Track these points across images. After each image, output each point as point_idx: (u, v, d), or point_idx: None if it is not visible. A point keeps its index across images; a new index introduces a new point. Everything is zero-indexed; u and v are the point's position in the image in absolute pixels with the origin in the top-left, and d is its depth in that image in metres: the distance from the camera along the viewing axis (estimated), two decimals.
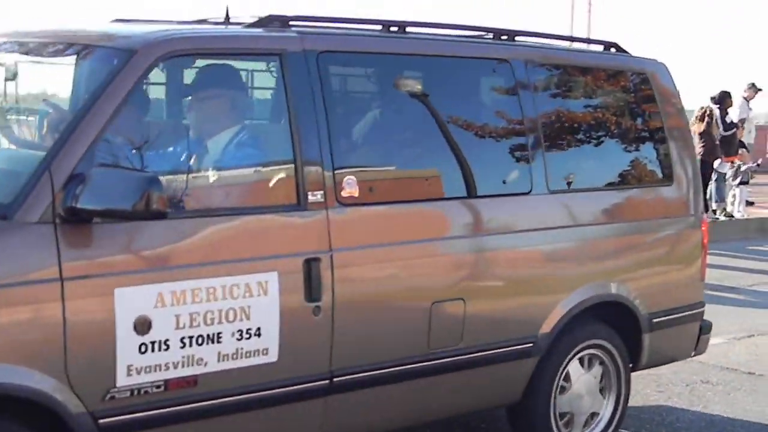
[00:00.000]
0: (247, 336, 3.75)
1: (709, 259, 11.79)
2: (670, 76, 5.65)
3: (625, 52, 5.61)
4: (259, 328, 3.78)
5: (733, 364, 7.25)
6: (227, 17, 4.43)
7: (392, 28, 4.63)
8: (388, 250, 4.20)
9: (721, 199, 14.67)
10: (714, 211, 14.49)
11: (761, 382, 6.83)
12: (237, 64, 4.38)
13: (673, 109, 5.60)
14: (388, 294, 4.24)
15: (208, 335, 3.65)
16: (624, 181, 5.35)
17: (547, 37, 5.34)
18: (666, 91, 5.57)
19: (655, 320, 5.28)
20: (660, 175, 5.49)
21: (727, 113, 14.83)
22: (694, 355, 5.76)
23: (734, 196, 15.17)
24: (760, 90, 16.27)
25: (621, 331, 5.21)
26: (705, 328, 5.69)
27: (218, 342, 3.68)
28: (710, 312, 8.74)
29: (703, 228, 5.65)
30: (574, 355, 5.00)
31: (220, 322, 3.68)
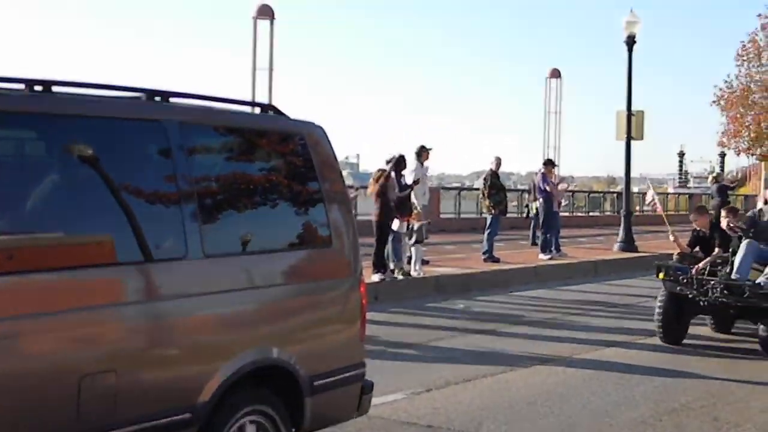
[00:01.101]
0: None
1: (389, 317, 12.56)
2: (328, 140, 5.78)
3: (283, 114, 5.69)
4: None
5: (413, 418, 7.47)
6: None
7: (36, 87, 4.43)
8: (23, 323, 3.96)
9: (398, 258, 15.23)
10: (392, 271, 15.01)
11: None
12: None
13: (331, 172, 5.73)
14: (25, 371, 3.98)
15: None
16: (283, 244, 5.40)
17: (203, 99, 5.31)
18: (324, 154, 5.70)
19: (316, 383, 5.33)
20: (320, 238, 5.59)
21: (402, 175, 15.53)
22: (358, 416, 5.86)
23: (411, 255, 15.82)
24: (430, 149, 17.24)
25: (283, 395, 5.21)
26: (367, 388, 5.82)
27: None
28: (390, 369, 9.20)
29: (361, 289, 5.79)
30: (235, 423, 4.93)
31: None
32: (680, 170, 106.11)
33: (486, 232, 18.62)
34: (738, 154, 45.75)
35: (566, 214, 32.93)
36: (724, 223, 11.50)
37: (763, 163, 44.55)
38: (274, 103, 7.69)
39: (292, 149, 5.59)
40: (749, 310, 10.77)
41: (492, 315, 13.17)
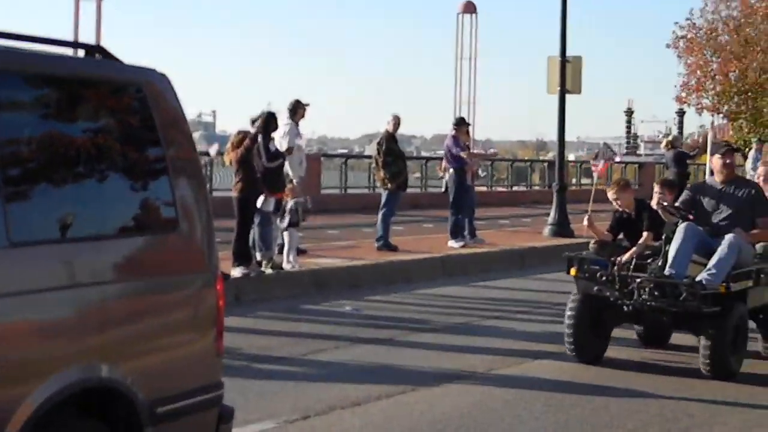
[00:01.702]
0: None
1: (255, 324, 12.56)
2: (174, 92, 5.78)
3: (114, 58, 5.66)
4: None
5: None
6: None
7: None
8: None
9: (267, 246, 15.23)
10: (259, 263, 15.03)
11: None
12: None
13: (177, 134, 5.73)
14: None
15: None
16: (115, 228, 5.38)
17: (7, 38, 5.23)
18: (168, 111, 5.69)
19: (159, 410, 5.34)
20: (163, 221, 5.60)
21: (272, 139, 15.54)
22: None
23: (283, 242, 15.86)
24: (307, 105, 17.27)
25: (116, 425, 5.21)
26: (225, 416, 5.85)
27: None
28: (257, 390, 9.26)
29: (218, 287, 5.81)
30: None
31: None
32: (628, 133, 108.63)
33: (380, 213, 18.77)
34: (700, 113, 46.92)
35: (483, 188, 33.45)
36: (654, 201, 11.23)
37: (731, 125, 45.84)
38: (103, 43, 7.61)
39: (126, 104, 5.57)
40: (687, 318, 10.49)
41: (388, 319, 13.32)
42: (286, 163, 16.48)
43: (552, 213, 22.94)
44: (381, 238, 18.59)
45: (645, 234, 11.00)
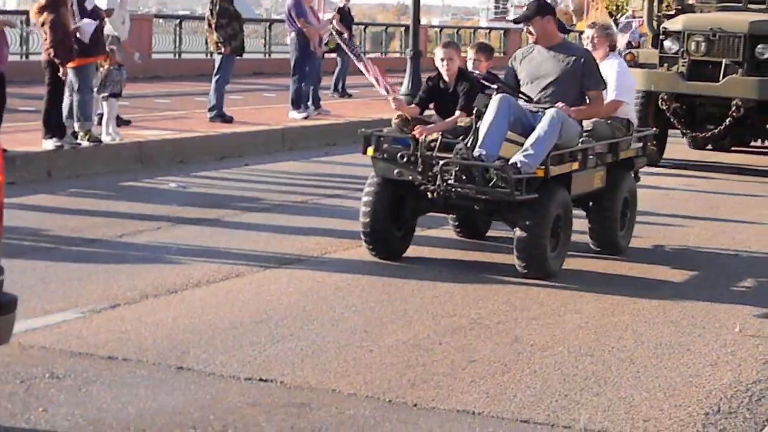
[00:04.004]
0: None
1: (66, 202, 12.32)
2: None
3: None
4: None
5: (89, 346, 7.38)
6: None
7: None
8: None
9: (85, 117, 14.84)
10: (75, 134, 14.69)
11: (125, 369, 6.99)
12: None
13: None
14: None
15: None
16: None
17: None
18: None
19: None
20: None
21: None
22: None
23: (102, 112, 15.52)
24: None
25: None
26: (7, 305, 5.56)
27: None
28: (58, 277, 9.07)
29: None
30: None
31: None
32: None
33: (213, 80, 18.52)
34: None
35: (333, 55, 33.07)
36: (470, 67, 10.62)
37: None
38: None
39: None
40: (500, 206, 9.85)
41: (217, 198, 13.20)
42: (108, 24, 16.10)
43: (405, 82, 22.80)
44: (214, 107, 18.36)
45: (457, 112, 10.22)
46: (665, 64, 17.39)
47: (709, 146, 20.04)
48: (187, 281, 9.18)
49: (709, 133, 17.71)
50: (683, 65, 17.25)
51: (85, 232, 10.89)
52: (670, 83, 17.08)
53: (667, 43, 17.57)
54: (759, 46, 17.01)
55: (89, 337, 7.61)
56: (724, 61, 16.93)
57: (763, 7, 18.31)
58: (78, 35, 14.45)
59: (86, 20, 14.67)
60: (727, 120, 17.01)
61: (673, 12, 18.80)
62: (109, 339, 7.57)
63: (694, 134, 18.28)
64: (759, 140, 20.07)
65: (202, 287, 9.07)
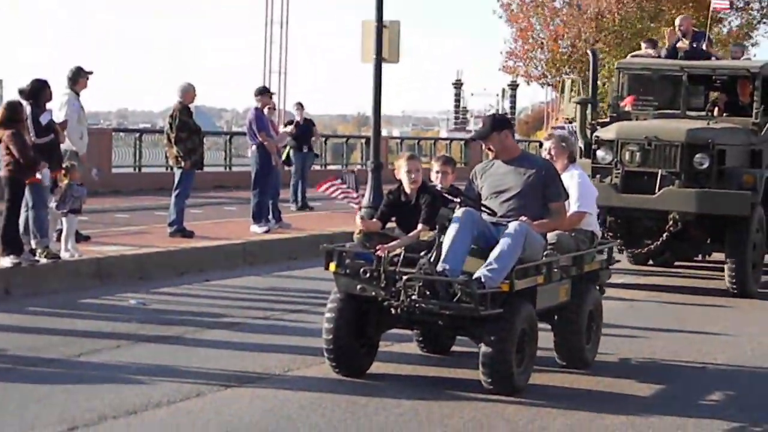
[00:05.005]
0: None
1: (24, 320, 12.24)
2: None
3: None
4: None
5: None
6: None
7: None
8: None
9: (42, 232, 14.77)
10: (33, 251, 14.58)
11: None
12: None
13: None
14: None
15: None
16: None
17: None
18: None
19: None
20: None
21: (47, 110, 15.15)
22: None
23: (61, 228, 15.43)
24: (90, 74, 16.93)
25: None
26: None
27: None
28: (17, 397, 8.91)
29: None
30: None
31: None
32: (457, 107, 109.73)
33: (173, 195, 18.48)
34: (528, 82, 47.61)
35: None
36: (434, 180, 10.68)
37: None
38: None
39: None
40: (464, 321, 9.76)
41: (177, 314, 13.08)
42: (67, 139, 16.12)
43: (366, 194, 22.81)
44: (174, 222, 18.29)
45: (420, 226, 10.19)
46: (598, 175, 16.46)
47: (650, 262, 19.01)
48: (147, 401, 9.04)
49: (646, 249, 16.68)
50: (617, 176, 16.38)
51: (43, 352, 10.76)
52: (603, 196, 14.34)
53: (600, 153, 16.69)
54: (697, 155, 16.13)
55: None
56: (660, 171, 16.12)
57: (702, 114, 17.77)
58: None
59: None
60: (664, 235, 16.13)
61: (607, 120, 18.16)
62: None
63: (630, 250, 17.27)
64: (700, 256, 18.51)
65: (162, 408, 8.94)
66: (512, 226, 9.78)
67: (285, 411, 9.02)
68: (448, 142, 49.83)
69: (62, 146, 15.83)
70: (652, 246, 16.45)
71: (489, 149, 10.53)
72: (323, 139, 38.97)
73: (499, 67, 46.41)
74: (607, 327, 11.76)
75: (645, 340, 12.61)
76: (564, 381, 10.41)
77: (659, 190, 16.04)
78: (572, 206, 11.07)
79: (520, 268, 9.64)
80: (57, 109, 16.36)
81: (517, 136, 39.61)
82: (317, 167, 36.61)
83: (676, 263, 19.23)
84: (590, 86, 18.68)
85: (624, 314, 14.03)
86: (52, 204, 15.13)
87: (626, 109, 17.97)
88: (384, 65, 22.94)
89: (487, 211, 10.20)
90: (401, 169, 10.53)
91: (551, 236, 10.53)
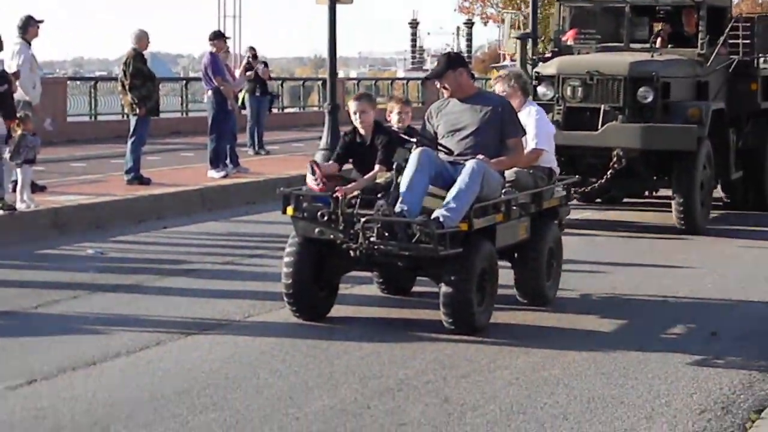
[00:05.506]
0: None
1: (14, 275, 12.01)
2: None
3: None
4: None
5: (5, 427, 7.20)
6: None
7: None
8: None
9: None
10: None
11: None
12: None
13: None
14: None
15: None
16: None
17: None
18: None
19: None
20: None
21: None
22: None
23: (16, 179, 15.28)
24: (40, 22, 16.74)
25: None
26: None
27: None
28: None
29: None
30: None
31: None
32: (413, 47, 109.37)
33: (129, 142, 18.33)
34: (485, 23, 47.49)
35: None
36: (394, 121, 10.55)
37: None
38: None
39: None
40: (423, 262, 9.76)
41: (136, 262, 13.01)
42: (19, 89, 15.96)
43: (324, 137, 22.68)
44: (131, 170, 18.15)
45: (377, 167, 10.14)
46: None
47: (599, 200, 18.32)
48: (106, 352, 8.97)
49: (590, 187, 15.90)
50: (558, 113, 15.83)
51: (6, 305, 10.66)
52: None
53: (540, 89, 16.06)
54: (641, 89, 15.62)
55: (4, 416, 7.43)
56: (603, 107, 15.61)
57: (646, 46, 17.21)
58: None
59: None
60: (609, 172, 15.56)
61: (549, 55, 17.68)
62: (26, 417, 7.40)
63: (575, 188, 16.06)
64: (648, 192, 18.16)
65: (121, 357, 8.87)
66: (469, 164, 9.69)
67: (246, 357, 8.97)
68: (405, 82, 49.69)
69: (15, 96, 15.62)
70: (596, 184, 15.91)
71: (444, 88, 10.43)
72: (279, 81, 38.82)
73: (455, 8, 46.28)
74: (568, 263, 11.73)
75: (606, 276, 12.61)
76: (525, 319, 10.39)
77: (602, 126, 15.60)
78: (530, 143, 10.98)
79: (478, 207, 9.57)
80: (9, 58, 16.23)
81: (476, 75, 39.58)
82: (275, 110, 36.52)
83: (626, 199, 19.00)
84: (531, 21, 18.43)
85: (584, 250, 14.02)
86: (6, 155, 14.97)
87: (568, 43, 17.56)
88: (338, 6, 22.70)
89: (444, 150, 10.14)
90: (350, 110, 10.46)
91: (509, 174, 10.46)
